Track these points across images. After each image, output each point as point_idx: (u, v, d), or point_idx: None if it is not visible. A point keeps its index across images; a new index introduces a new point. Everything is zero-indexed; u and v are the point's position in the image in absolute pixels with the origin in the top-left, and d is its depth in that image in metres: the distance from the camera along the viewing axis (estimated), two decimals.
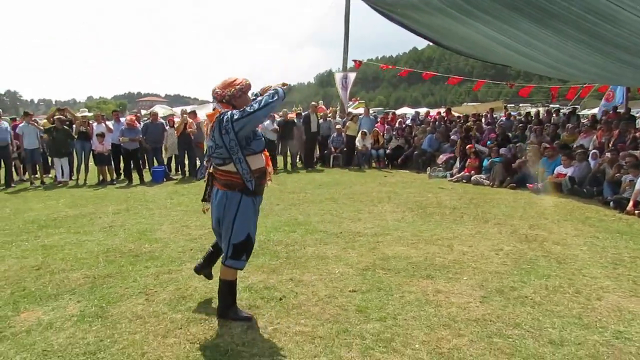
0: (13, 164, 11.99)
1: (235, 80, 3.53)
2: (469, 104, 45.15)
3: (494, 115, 17.84)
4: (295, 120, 14.41)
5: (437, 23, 9.27)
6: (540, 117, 15.99)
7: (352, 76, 17.34)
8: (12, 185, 11.39)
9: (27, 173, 12.03)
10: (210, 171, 3.70)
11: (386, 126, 15.82)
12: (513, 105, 39.73)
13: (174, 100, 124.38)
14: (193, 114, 13.00)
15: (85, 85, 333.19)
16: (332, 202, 8.63)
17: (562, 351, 3.27)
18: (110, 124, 12.39)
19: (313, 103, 14.74)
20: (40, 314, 3.90)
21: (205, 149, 4.61)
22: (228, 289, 3.76)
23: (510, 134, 13.55)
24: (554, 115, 16.07)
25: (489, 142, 12.41)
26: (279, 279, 4.58)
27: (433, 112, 21.63)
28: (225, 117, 3.36)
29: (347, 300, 4.10)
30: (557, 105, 25.12)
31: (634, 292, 4.35)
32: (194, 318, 3.77)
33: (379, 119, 16.78)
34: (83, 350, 3.28)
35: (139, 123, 12.96)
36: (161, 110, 32.12)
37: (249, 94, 3.65)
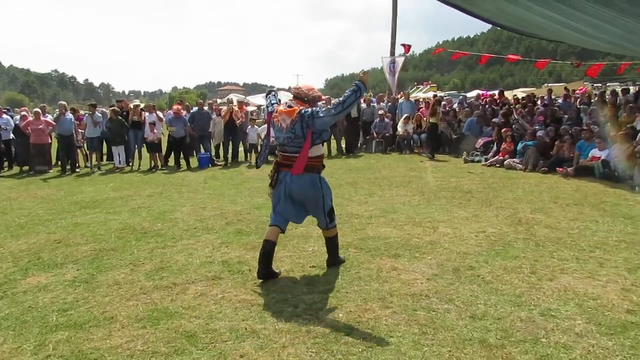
0: (77, 151, 13.32)
1: (315, 89, 4.49)
2: (549, 84, 42.94)
3: (552, 97, 17.07)
4: None
5: (489, 3, 8.90)
6: (606, 97, 15.08)
7: (400, 61, 17.26)
8: (77, 170, 12.69)
9: (89, 159, 13.32)
10: (278, 160, 4.35)
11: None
12: (600, 85, 37.22)
13: (252, 88, 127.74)
14: (242, 103, 13.65)
15: (170, 77, 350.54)
16: (350, 186, 8.91)
17: (475, 324, 3.43)
18: (160, 113, 13.37)
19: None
20: (42, 278, 4.60)
21: (266, 140, 5.09)
22: (337, 241, 4.65)
23: (565, 117, 13.01)
24: (620, 95, 15.07)
25: (537, 127, 12.01)
26: (253, 255, 4.97)
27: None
28: (307, 113, 4.07)
29: (303, 274, 4.45)
30: None
31: (592, 274, 4.33)
32: (161, 286, 4.29)
33: (422, 104, 16.65)
34: (59, 307, 3.90)
35: (187, 112, 13.85)
36: (235, 99, 33.77)
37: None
